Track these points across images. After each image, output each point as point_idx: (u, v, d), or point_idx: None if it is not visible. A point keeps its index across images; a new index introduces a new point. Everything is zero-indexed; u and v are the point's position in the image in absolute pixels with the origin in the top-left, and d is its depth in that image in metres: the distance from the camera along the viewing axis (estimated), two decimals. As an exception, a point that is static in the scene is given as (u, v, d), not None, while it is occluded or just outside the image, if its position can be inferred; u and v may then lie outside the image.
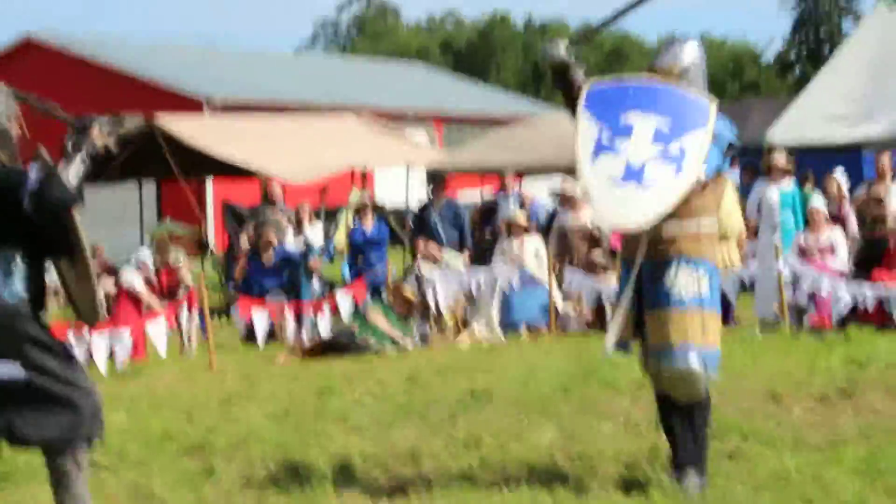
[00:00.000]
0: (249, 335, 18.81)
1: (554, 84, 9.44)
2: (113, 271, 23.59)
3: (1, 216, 7.86)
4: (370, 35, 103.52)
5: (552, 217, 21.57)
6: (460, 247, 21.07)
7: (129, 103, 40.50)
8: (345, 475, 9.87)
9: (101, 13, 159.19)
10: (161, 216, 31.59)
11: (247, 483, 9.80)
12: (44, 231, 7.96)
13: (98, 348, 15.28)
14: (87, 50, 49.25)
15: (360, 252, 22.20)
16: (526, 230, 20.17)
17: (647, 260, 8.89)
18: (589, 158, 8.74)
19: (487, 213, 23.44)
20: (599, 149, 8.73)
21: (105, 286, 22.84)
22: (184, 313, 18.21)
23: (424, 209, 22.51)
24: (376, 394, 13.62)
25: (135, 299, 19.89)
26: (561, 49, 9.08)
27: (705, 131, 8.71)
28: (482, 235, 22.49)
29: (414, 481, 9.61)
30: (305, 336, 18.44)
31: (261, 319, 18.54)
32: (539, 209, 23.63)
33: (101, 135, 8.04)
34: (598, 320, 18.38)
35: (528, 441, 10.75)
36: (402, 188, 29.55)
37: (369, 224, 22.24)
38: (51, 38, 50.09)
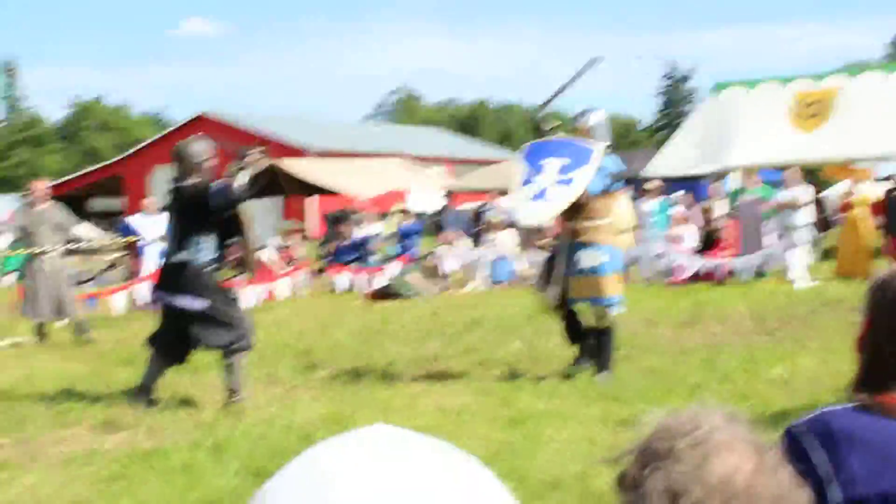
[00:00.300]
0: (336, 287, 18.81)
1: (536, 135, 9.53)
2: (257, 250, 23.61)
3: (197, 212, 8.33)
4: (406, 111, 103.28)
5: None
6: (466, 234, 21.04)
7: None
8: (394, 369, 9.88)
9: (242, 94, 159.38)
10: (284, 217, 31.58)
11: (336, 373, 9.81)
12: (223, 219, 8.47)
13: (247, 294, 15.28)
14: (236, 119, 49.22)
15: (403, 238, 22.15)
16: (500, 226, 20.21)
17: (568, 244, 9.14)
18: (518, 188, 9.03)
19: (479, 215, 23.42)
20: (525, 181, 8.96)
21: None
22: (297, 274, 18.23)
23: (440, 213, 22.49)
24: (413, 321, 13.60)
25: (267, 266, 19.91)
26: (539, 117, 9.49)
27: (589, 166, 8.91)
28: (476, 228, 22.44)
29: (436, 374, 9.61)
30: (370, 288, 18.43)
31: (342, 278, 18.56)
32: (509, 213, 23.59)
33: (253, 159, 8.48)
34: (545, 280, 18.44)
35: (504, 349, 10.75)
36: (426, 201, 29.58)
37: (408, 222, 22.19)
38: (214, 114, 49.99)
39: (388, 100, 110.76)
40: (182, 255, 8.40)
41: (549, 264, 9.52)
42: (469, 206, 27.57)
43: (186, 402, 8.46)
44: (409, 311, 15.01)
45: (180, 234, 8.47)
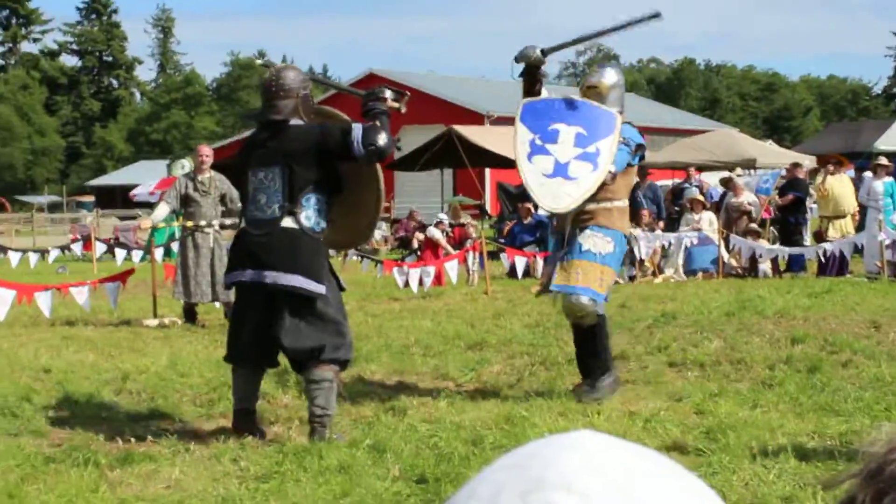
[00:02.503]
0: (512, 272, 18.89)
1: (522, 76, 8.59)
2: (423, 227, 23.93)
3: (318, 163, 7.23)
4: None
5: (721, 197, 21.30)
6: (657, 216, 20.84)
7: (434, 116, 40.89)
8: (574, 368, 9.82)
9: (419, 54, 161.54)
10: (455, 192, 31.86)
11: (511, 369, 9.85)
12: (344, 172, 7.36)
13: (413, 277, 15.46)
14: (409, 79, 49.80)
15: (589, 218, 22.08)
16: (703, 206, 20.00)
17: (572, 227, 8.52)
18: (525, 158, 8.32)
19: (677, 193, 23.15)
20: (534, 151, 8.31)
21: (417, 237, 23.21)
22: (469, 256, 18.37)
23: (633, 190, 22.31)
24: (598, 314, 13.52)
25: (436, 246, 20.16)
26: (536, 52, 8.46)
27: (613, 137, 8.29)
28: (672, 209, 22.18)
29: (623, 374, 9.55)
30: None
31: (520, 262, 18.59)
32: (712, 192, 23.28)
33: (390, 100, 7.56)
34: (752, 269, 18.23)
35: (701, 348, 10.59)
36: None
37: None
38: (386, 72, 50.70)
39: (577, 59, 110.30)
40: (293, 220, 7.22)
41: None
42: (666, 182, 27.27)
43: (344, 396, 8.61)
44: (593, 301, 14.93)
45: (287, 191, 7.24)
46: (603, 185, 8.31)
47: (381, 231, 30.25)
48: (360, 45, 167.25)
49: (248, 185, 7.44)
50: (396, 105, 7.60)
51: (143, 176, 50.32)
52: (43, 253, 19.20)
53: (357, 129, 7.17)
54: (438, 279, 16.96)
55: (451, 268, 16.99)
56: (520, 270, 18.45)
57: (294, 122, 7.35)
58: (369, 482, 6.19)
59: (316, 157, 7.19)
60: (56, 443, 7.24)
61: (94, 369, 9.87)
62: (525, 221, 21.75)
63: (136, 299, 15.07)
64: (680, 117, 63.26)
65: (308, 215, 7.19)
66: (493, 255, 19.94)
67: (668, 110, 67.22)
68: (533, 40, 8.77)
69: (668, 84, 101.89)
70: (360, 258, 18.12)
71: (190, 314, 13.28)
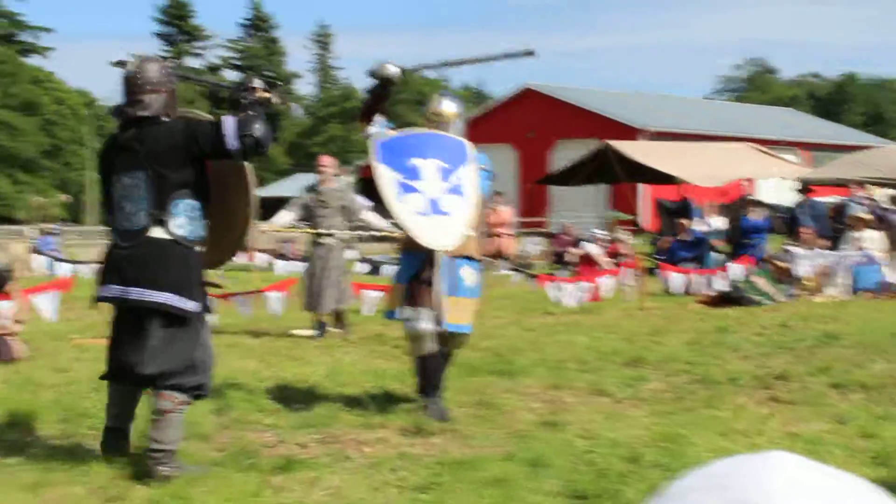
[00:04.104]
0: (669, 289, 18.73)
1: (370, 92, 8.51)
2: (578, 242, 23.90)
3: (187, 163, 6.48)
4: (757, 87, 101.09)
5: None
6: (819, 234, 20.43)
7: (587, 131, 40.80)
8: (734, 387, 9.70)
9: (574, 69, 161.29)
10: (609, 207, 31.70)
11: (669, 387, 9.75)
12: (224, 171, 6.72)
13: (568, 292, 15.43)
14: (564, 94, 49.78)
15: (747, 235, 21.73)
16: (866, 224, 19.56)
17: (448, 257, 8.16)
18: (395, 198, 8.00)
19: (839, 210, 22.65)
20: (403, 189, 8.03)
21: (571, 252, 23.22)
22: (625, 272, 18.26)
23: (793, 207, 21.94)
24: (758, 333, 13.32)
25: (591, 261, 20.11)
26: (396, 72, 8.26)
27: (471, 165, 8.21)
28: (835, 226, 21.72)
29: (784, 395, 9.38)
30: (708, 291, 18.23)
31: (677, 278, 18.41)
32: (876, 210, 22.72)
33: (260, 90, 6.72)
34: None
35: (865, 370, 10.35)
36: (776, 192, 28.97)
37: (755, 216, 21.74)
38: (542, 87, 50.78)
39: (735, 73, 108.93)
40: (162, 229, 6.48)
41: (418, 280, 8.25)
42: (827, 199, 26.70)
43: (499, 409, 8.63)
44: (752, 319, 14.72)
45: (154, 197, 6.46)
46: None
47: (538, 245, 30.22)
48: (517, 60, 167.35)
49: (112, 192, 6.65)
50: (267, 95, 6.80)
51: (301, 188, 51.37)
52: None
53: (229, 121, 6.47)
54: (594, 294, 16.88)
55: (606, 283, 16.91)
56: (677, 287, 18.28)
57: (163, 119, 6.59)
58: (525, 496, 6.19)
59: (184, 155, 6.46)
60: (220, 447, 7.40)
61: (255, 377, 10.07)
62: (683, 238, 21.54)
63: (292, 308, 15.34)
64: (841, 133, 61.93)
65: (180, 223, 6.46)
66: (650, 271, 19.78)
67: (829, 125, 65.86)
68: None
69: (830, 99, 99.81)
70: (511, 271, 18.15)
71: (321, 324, 13.40)
